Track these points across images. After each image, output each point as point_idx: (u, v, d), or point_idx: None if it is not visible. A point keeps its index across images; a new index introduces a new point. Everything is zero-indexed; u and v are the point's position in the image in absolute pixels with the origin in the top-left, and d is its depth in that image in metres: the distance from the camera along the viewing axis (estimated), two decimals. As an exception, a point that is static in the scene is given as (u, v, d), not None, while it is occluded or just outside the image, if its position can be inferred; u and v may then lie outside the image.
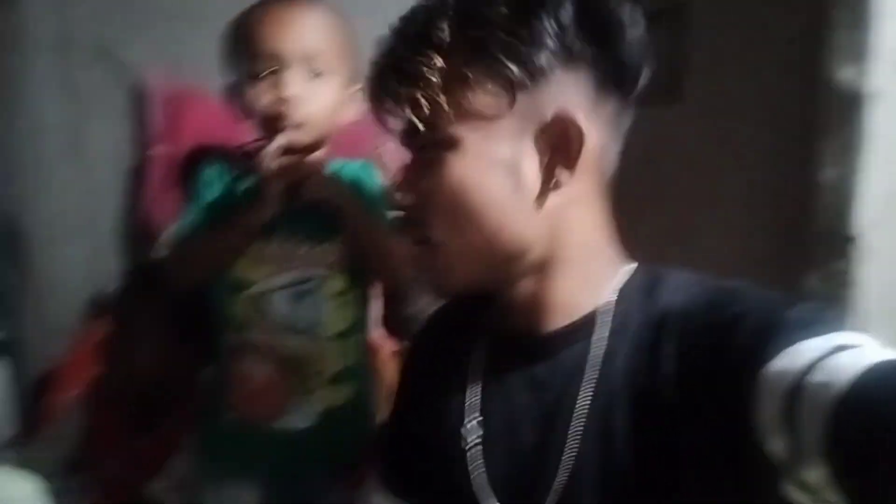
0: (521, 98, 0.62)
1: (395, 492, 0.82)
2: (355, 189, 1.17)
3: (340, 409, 1.16)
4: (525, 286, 0.69)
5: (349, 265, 1.15)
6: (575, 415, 0.65)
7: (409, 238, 0.69)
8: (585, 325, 0.68)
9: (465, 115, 0.63)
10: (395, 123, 0.66)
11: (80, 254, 2.37)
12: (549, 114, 0.63)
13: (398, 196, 0.68)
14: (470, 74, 0.62)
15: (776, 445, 0.52)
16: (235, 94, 1.13)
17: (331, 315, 1.15)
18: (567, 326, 0.69)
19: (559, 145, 0.64)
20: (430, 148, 0.64)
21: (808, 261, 0.95)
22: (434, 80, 0.62)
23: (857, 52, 0.91)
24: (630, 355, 0.65)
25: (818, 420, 0.48)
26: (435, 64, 0.62)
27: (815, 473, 0.50)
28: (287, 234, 1.13)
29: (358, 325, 1.19)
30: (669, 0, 1.34)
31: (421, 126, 0.63)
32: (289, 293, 1.13)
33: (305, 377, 1.15)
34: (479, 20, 0.62)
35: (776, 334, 0.55)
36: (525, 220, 0.65)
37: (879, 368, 0.49)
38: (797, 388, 0.51)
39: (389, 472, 0.84)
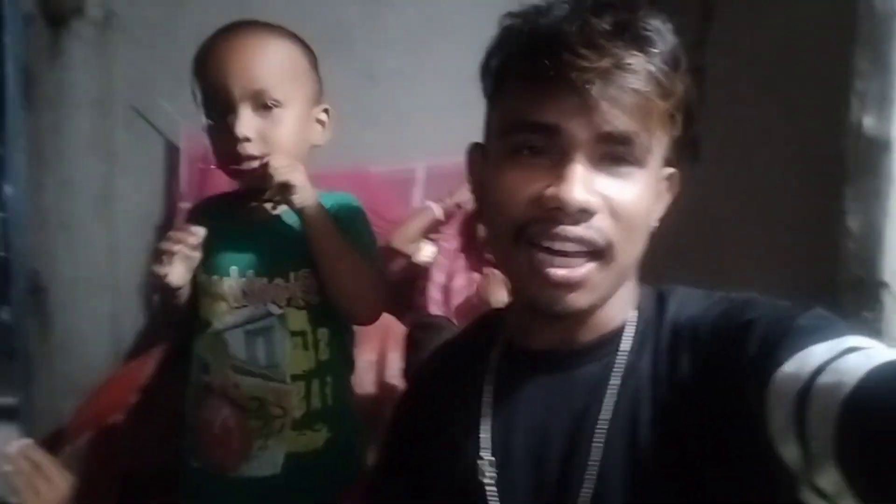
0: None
1: None
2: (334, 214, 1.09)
3: (310, 456, 1.08)
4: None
5: (310, 303, 1.08)
6: (599, 427, 0.64)
7: (566, 243, 0.61)
8: (610, 340, 0.68)
9: (665, 135, 0.64)
10: (592, 123, 0.59)
11: (101, 311, 2.38)
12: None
13: (575, 195, 0.59)
14: (689, 102, 0.64)
15: (789, 451, 0.51)
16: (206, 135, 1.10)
17: (289, 355, 1.07)
18: (595, 340, 0.69)
19: (672, 178, 0.69)
20: (623, 160, 0.62)
21: (837, 309, 0.92)
22: (679, 92, 0.62)
23: (879, 99, 0.91)
24: (650, 367, 0.65)
25: (827, 422, 0.47)
26: (677, 85, 0.62)
27: (829, 478, 0.48)
28: (241, 269, 1.08)
29: (328, 368, 1.10)
30: (687, 62, 1.37)
31: (645, 140, 0.61)
32: (244, 331, 1.08)
33: (266, 421, 1.07)
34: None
35: (786, 340, 0.54)
36: (645, 244, 0.67)
37: (886, 368, 0.47)
38: (806, 391, 0.49)
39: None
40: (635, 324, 0.69)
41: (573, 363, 0.69)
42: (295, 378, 1.07)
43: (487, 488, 0.68)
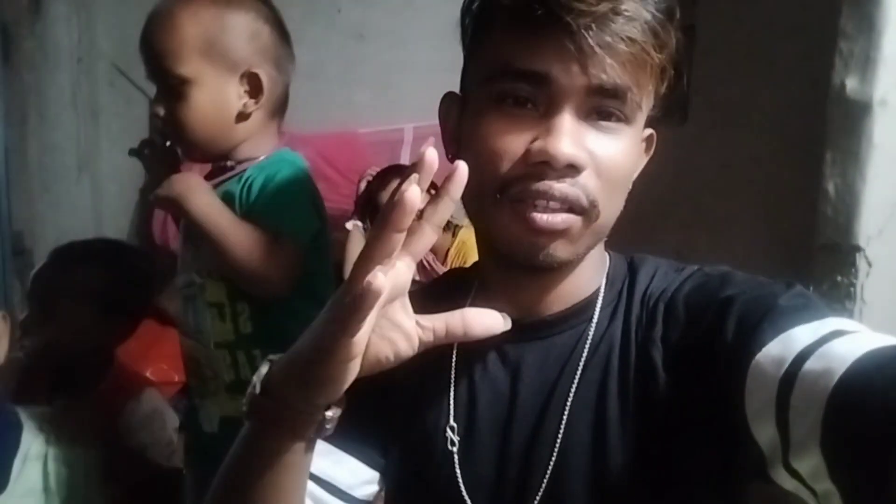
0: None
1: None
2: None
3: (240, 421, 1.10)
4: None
5: (226, 278, 1.06)
6: (569, 400, 0.63)
7: (550, 200, 0.58)
8: (582, 309, 0.66)
9: (654, 92, 0.60)
10: (585, 73, 0.55)
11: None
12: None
13: (563, 148, 0.56)
14: (679, 58, 0.60)
15: (765, 432, 0.50)
16: None
17: (211, 324, 1.08)
18: (566, 310, 0.66)
19: (650, 139, 0.66)
20: (612, 115, 0.58)
21: (812, 272, 0.92)
22: (672, 46, 0.58)
23: (863, 60, 0.89)
24: (620, 339, 0.64)
25: (814, 409, 0.46)
26: (671, 38, 0.57)
27: (808, 462, 0.47)
28: (185, 236, 1.12)
29: (253, 341, 1.08)
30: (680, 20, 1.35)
31: (636, 94, 0.57)
32: (182, 296, 1.14)
33: (201, 381, 1.12)
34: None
35: (768, 320, 0.52)
36: (622, 206, 0.64)
37: (876, 355, 0.46)
38: (792, 375, 0.48)
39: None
40: (604, 291, 0.67)
41: (543, 333, 0.67)
42: (217, 346, 1.08)
43: (456, 457, 0.67)
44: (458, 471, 0.66)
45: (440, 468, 0.67)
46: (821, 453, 0.45)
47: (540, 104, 0.57)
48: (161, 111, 1.01)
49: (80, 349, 1.44)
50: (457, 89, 0.68)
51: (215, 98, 1.03)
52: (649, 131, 0.66)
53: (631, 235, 0.71)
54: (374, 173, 2.27)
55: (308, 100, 2.49)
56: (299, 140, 2.50)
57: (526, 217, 0.58)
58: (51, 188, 2.24)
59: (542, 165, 0.56)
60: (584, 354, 0.64)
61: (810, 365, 0.48)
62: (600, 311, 0.66)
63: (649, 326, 0.62)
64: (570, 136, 0.56)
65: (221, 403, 1.10)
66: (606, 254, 0.70)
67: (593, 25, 0.53)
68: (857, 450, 0.44)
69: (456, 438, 0.67)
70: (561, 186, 0.57)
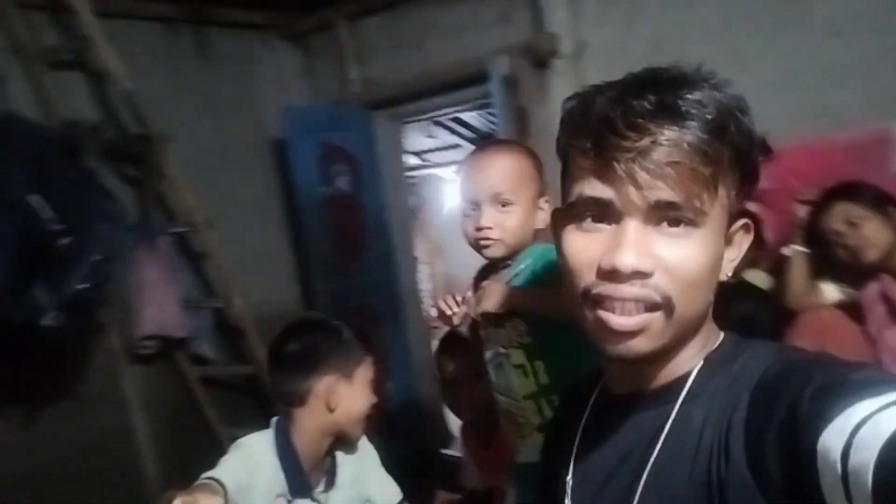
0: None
1: None
2: (528, 277, 1.49)
3: None
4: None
5: (523, 343, 1.49)
6: (644, 473, 0.70)
7: (625, 301, 0.67)
8: (672, 387, 0.72)
9: (716, 199, 0.68)
10: (641, 195, 0.65)
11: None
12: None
13: (626, 261, 0.66)
14: (735, 166, 0.69)
15: None
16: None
17: (516, 382, 1.51)
18: (659, 387, 0.73)
19: (746, 226, 0.73)
20: (679, 222, 0.67)
21: None
22: (727, 156, 0.66)
23: None
24: (701, 419, 0.67)
25: (865, 474, 0.47)
26: (723, 149, 0.66)
27: None
28: (488, 319, 1.54)
29: (552, 389, 1.46)
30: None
31: (694, 203, 0.65)
32: (492, 365, 1.59)
33: (518, 426, 1.55)
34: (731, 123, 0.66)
35: (836, 396, 0.53)
36: (711, 296, 0.72)
37: None
38: (848, 445, 0.49)
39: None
40: (696, 374, 0.71)
41: (638, 408, 0.74)
42: (525, 398, 1.51)
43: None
44: None
45: None
46: None
47: (610, 220, 0.69)
48: (490, 224, 1.47)
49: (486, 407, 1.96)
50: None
51: (527, 216, 1.49)
52: (742, 221, 0.72)
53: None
54: (810, 195, 2.16)
55: (775, 112, 2.38)
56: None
57: (603, 319, 0.69)
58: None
59: (612, 273, 0.68)
60: (665, 432, 0.70)
61: (863, 431, 0.49)
62: (688, 392, 0.71)
63: (733, 409, 0.65)
64: (633, 247, 0.66)
65: (537, 439, 1.44)
66: (721, 333, 0.75)
67: (638, 157, 0.65)
68: None
69: (570, 491, 0.81)
70: (630, 289, 0.67)
